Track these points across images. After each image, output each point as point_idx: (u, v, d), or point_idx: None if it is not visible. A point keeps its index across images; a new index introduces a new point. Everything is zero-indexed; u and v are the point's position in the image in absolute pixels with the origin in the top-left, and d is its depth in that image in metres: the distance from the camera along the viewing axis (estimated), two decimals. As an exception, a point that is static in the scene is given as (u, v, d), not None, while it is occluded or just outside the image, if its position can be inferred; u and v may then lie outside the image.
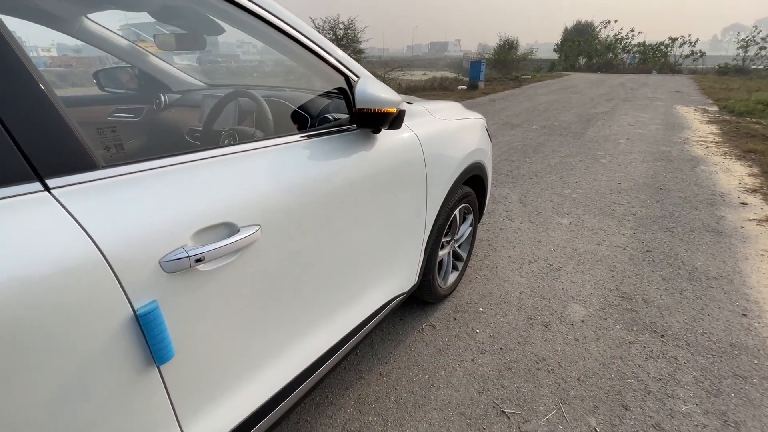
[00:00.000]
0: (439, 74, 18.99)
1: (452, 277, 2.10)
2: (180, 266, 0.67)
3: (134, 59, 1.93)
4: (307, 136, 1.06)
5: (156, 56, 2.02)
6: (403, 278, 1.52)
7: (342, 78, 1.17)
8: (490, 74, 17.65)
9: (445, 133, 1.63)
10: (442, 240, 1.82)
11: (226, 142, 1.34)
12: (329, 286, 1.12)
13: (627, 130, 6.59)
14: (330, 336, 1.16)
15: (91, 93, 2.09)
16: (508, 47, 22.99)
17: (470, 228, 2.16)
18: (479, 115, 2.17)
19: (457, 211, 1.89)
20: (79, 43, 1.65)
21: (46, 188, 0.57)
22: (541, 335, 1.81)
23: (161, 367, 0.69)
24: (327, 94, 1.50)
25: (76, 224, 0.58)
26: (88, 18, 1.63)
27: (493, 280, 2.26)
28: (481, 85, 13.44)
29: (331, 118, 1.31)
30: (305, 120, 1.39)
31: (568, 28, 43.77)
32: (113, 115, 1.88)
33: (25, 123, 0.56)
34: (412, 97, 2.04)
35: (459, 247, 2.13)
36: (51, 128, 0.59)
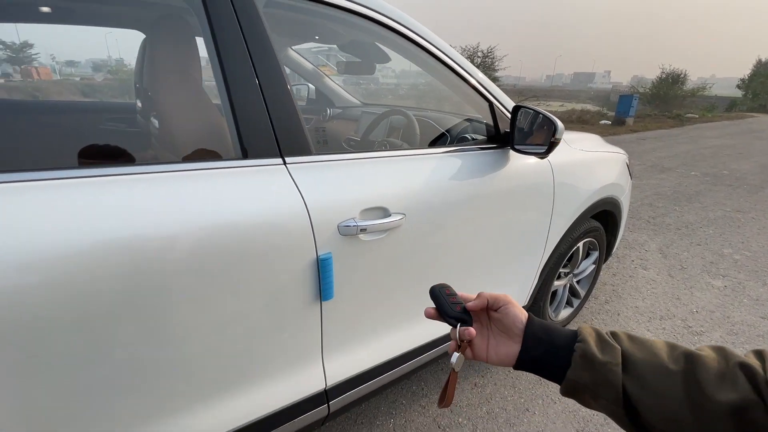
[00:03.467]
0: (579, 106, 17.68)
1: (565, 312, 2.03)
2: (349, 232, 0.91)
3: (313, 79, 2.43)
4: (449, 150, 1.24)
5: (329, 77, 2.50)
6: (514, 296, 1.57)
7: (487, 104, 1.32)
8: (643, 110, 15.71)
9: (578, 163, 1.64)
10: (560, 270, 1.80)
11: (377, 149, 1.62)
12: (447, 282, 1.26)
13: (834, 190, 5.16)
14: (438, 328, 1.30)
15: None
16: (671, 81, 20.10)
17: (593, 265, 2.06)
18: (621, 151, 2.08)
19: (580, 244, 1.84)
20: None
21: (284, 162, 0.87)
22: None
23: (323, 303, 0.93)
24: (457, 116, 1.67)
25: (296, 188, 0.86)
26: (291, 48, 2.14)
27: (611, 327, 2.09)
28: (630, 121, 12.06)
29: (469, 137, 1.48)
30: (445, 137, 1.58)
31: (763, 60, 35.93)
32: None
33: (281, 122, 0.87)
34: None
35: (578, 282, 2.05)
36: (292, 126, 0.89)
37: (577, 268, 1.97)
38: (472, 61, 16.81)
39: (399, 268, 1.09)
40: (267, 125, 0.85)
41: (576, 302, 2.08)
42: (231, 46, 0.82)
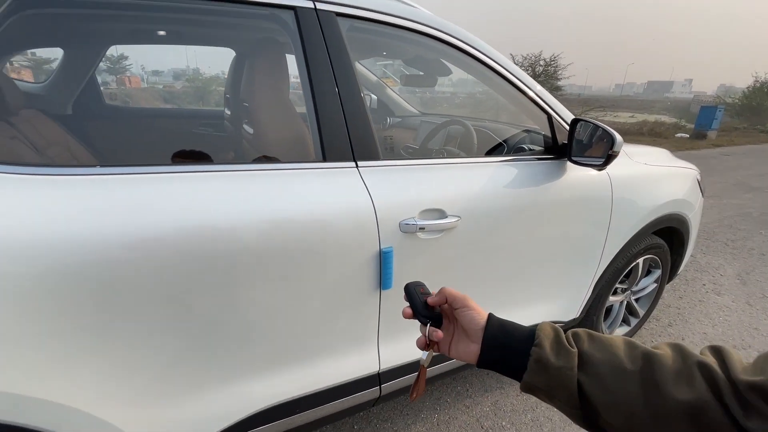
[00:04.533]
0: (652, 118, 16.40)
1: (620, 330, 1.96)
2: (409, 229, 1.02)
3: (376, 90, 2.59)
4: (506, 159, 1.31)
5: (390, 89, 2.65)
6: (564, 307, 1.58)
7: (545, 116, 1.37)
8: (729, 123, 14.20)
9: (641, 177, 1.61)
10: (617, 285, 1.76)
11: (435, 156, 1.71)
12: (498, 285, 1.32)
13: None
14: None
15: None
16: (766, 91, 17.94)
17: (655, 284, 1.97)
18: (692, 166, 1.98)
19: (640, 261, 1.79)
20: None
21: (356, 165, 1.00)
22: None
23: (383, 292, 1.04)
24: (515, 127, 1.71)
25: (366, 188, 0.98)
26: (359, 61, 2.31)
27: (674, 351, 1.98)
28: (712, 135, 10.98)
29: (526, 148, 1.52)
30: (502, 147, 1.64)
31: None
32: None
33: (356, 130, 1.00)
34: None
35: (636, 301, 1.97)
36: (365, 134, 1.02)
37: (636, 285, 1.90)
38: (533, 70, 16.31)
39: (452, 266, 1.17)
40: (344, 133, 0.99)
41: (634, 321, 2.00)
42: (318, 64, 0.97)
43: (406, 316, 0.56)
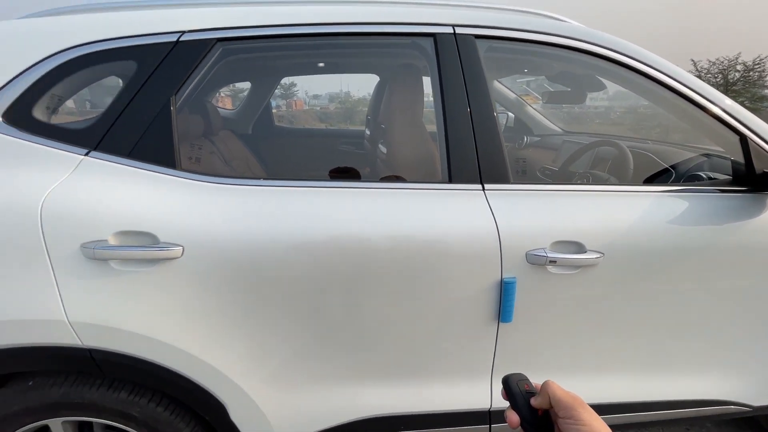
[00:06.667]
0: None
1: None
2: (537, 261, 0.92)
3: (514, 107, 2.47)
4: (674, 189, 1.07)
5: (531, 106, 2.49)
6: (747, 385, 1.19)
7: (737, 137, 1.08)
8: None
9: None
10: None
11: (578, 182, 1.53)
12: (644, 342, 1.09)
13: None
14: (627, 390, 1.12)
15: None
16: None
17: None
18: None
19: None
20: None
21: (483, 188, 0.96)
22: None
23: (501, 324, 0.97)
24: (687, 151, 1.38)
25: (491, 212, 0.93)
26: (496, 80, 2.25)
27: None
28: None
29: (704, 176, 1.23)
30: (669, 173, 1.36)
31: None
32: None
33: (486, 153, 0.97)
34: None
35: None
36: (495, 156, 0.98)
37: None
38: (724, 77, 13.14)
39: (587, 309, 1.01)
40: (472, 154, 0.97)
41: None
42: (452, 86, 0.98)
43: (512, 426, 0.44)
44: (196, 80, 0.96)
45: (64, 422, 0.96)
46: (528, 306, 0.96)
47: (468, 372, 1.04)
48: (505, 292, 0.93)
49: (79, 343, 0.85)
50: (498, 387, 1.06)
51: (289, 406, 0.99)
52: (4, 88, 0.87)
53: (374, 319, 0.95)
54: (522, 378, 0.46)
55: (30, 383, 0.94)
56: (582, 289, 0.98)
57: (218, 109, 2.01)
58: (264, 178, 0.93)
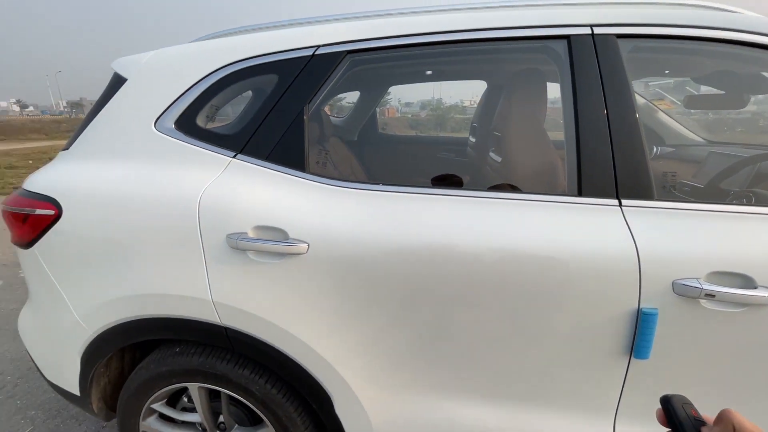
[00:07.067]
0: None
1: None
2: (688, 293, 0.78)
3: (642, 113, 2.17)
4: None
5: (664, 112, 2.17)
6: None
7: None
8: None
9: None
10: None
11: (735, 202, 1.28)
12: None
13: None
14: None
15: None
16: None
17: None
18: None
19: None
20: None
21: (620, 204, 0.85)
22: None
23: (633, 361, 0.85)
24: None
25: (629, 233, 0.82)
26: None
27: None
28: None
29: None
30: None
31: None
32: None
33: (625, 164, 0.86)
34: None
35: None
36: (637, 168, 0.86)
37: None
38: None
39: (755, 358, 0.83)
40: (608, 165, 0.87)
41: None
42: (588, 90, 0.89)
43: None
44: (326, 90, 1.03)
45: (199, 387, 1.10)
46: (671, 343, 0.82)
47: (587, 407, 0.93)
48: (642, 325, 0.81)
49: (218, 320, 0.97)
50: (623, 429, 0.93)
51: (392, 410, 0.99)
52: (178, 100, 1.04)
53: (482, 335, 0.91)
54: (687, 402, 0.40)
55: (177, 349, 1.10)
56: (749, 333, 0.80)
57: (330, 117, 2.16)
58: (382, 183, 0.96)
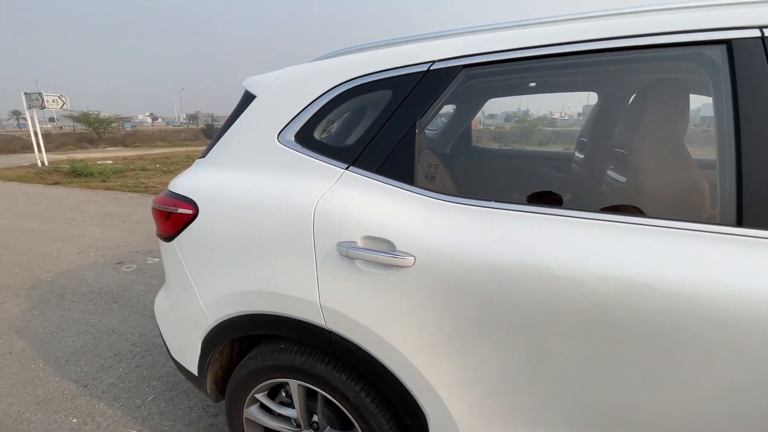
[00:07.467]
0: None
1: None
2: None
3: None
4: None
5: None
6: None
7: None
8: None
9: None
10: None
11: None
12: None
13: None
14: None
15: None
16: None
17: None
18: None
19: None
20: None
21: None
22: None
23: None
24: None
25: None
26: None
27: None
28: None
29: None
30: None
31: None
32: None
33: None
34: None
35: None
36: None
37: None
38: None
39: None
40: (782, 192, 0.72)
41: None
42: (755, 103, 0.76)
43: None
44: (438, 105, 1.03)
45: (299, 385, 1.16)
46: None
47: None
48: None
49: (323, 323, 1.01)
50: None
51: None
52: (299, 115, 1.13)
53: (606, 379, 0.81)
54: None
55: (282, 346, 1.18)
56: None
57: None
58: (492, 200, 0.92)
